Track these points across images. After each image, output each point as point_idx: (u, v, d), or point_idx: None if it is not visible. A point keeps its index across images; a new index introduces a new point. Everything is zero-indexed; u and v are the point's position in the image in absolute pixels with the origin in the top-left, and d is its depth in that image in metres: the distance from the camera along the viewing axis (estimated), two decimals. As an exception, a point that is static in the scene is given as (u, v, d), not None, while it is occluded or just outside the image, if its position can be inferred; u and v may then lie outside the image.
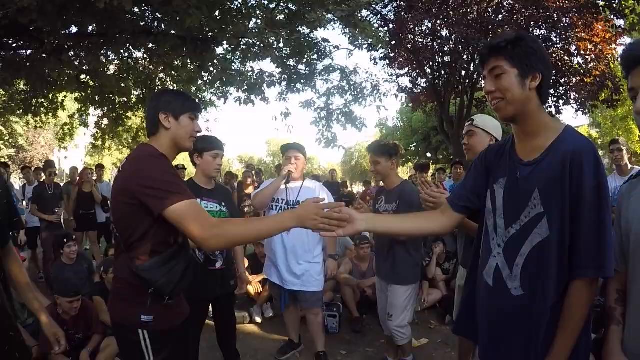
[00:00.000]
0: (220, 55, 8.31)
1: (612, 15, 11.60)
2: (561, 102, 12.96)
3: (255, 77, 8.26)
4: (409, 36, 12.77)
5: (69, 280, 4.22)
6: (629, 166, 4.79)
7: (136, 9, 7.04)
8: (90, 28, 7.37)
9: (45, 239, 6.58)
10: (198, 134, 2.07)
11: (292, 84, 8.43)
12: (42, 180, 7.35)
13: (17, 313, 3.76)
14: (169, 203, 1.66)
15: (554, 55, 12.32)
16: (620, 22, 11.84)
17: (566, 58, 12.52)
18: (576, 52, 12.31)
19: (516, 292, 1.51)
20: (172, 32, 7.41)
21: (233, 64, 8.44)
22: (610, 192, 4.44)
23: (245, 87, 8.10)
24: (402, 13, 12.51)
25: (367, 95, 8.70)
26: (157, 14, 7.17)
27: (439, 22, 12.54)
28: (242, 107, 8.09)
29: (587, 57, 12.22)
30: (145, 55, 9.48)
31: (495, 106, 1.55)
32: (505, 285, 1.54)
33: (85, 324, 3.88)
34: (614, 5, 11.21)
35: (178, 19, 6.46)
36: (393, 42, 12.74)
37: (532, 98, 1.50)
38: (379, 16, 12.99)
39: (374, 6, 12.15)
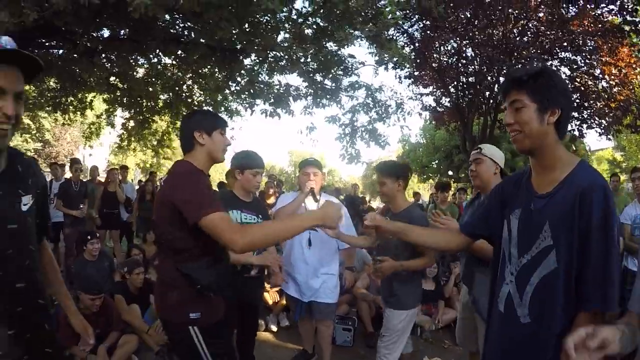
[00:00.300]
0: (248, 67, 8.48)
1: (638, 39, 11.53)
2: (584, 126, 12.85)
3: (281, 91, 8.39)
4: (434, 55, 12.85)
5: (92, 277, 4.33)
6: None
7: (168, 17, 7.23)
8: (122, 32, 7.63)
9: (68, 235, 6.76)
10: (229, 146, 2.29)
11: (318, 99, 8.54)
12: (68, 177, 7.56)
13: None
14: (203, 214, 1.85)
15: (577, 79, 12.28)
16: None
17: (590, 82, 12.45)
18: (600, 76, 12.22)
19: (524, 319, 1.56)
20: (202, 40, 7.61)
21: (260, 76, 8.61)
22: (630, 220, 4.43)
23: (272, 99, 8.23)
24: (428, 32, 12.59)
25: (392, 113, 8.80)
26: (188, 23, 7.34)
27: (464, 42, 12.59)
28: (268, 118, 8.18)
29: (611, 81, 12.12)
30: (174, 62, 9.70)
31: (513, 138, 1.61)
32: (515, 313, 1.59)
33: (105, 320, 4.00)
34: (640, 29, 11.12)
35: (208, 29, 6.67)
36: (418, 61, 12.82)
37: (549, 132, 1.55)
38: (405, 35, 13.07)
39: (400, 24, 12.25)
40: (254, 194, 3.51)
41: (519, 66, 11.96)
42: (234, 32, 6.61)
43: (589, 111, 12.59)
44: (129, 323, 4.25)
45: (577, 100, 12.46)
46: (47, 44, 8.00)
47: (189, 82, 11.08)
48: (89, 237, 5.22)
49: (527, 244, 1.59)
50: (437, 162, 27.48)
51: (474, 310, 2.95)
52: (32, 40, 6.87)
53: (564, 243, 1.47)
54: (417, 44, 12.97)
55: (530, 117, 1.53)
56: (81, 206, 6.83)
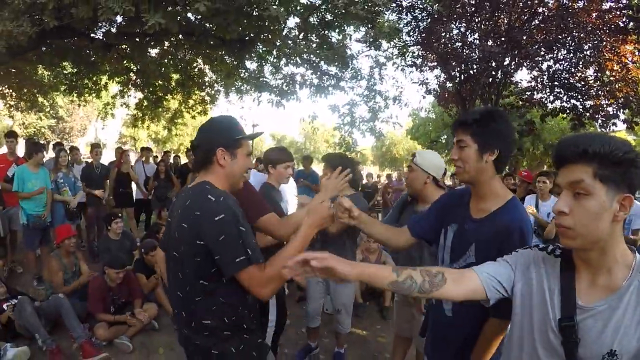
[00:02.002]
0: (256, 55, 8.89)
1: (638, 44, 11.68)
2: (586, 116, 13.05)
3: (286, 83, 8.78)
4: (440, 40, 13.05)
5: (116, 255, 4.96)
6: None
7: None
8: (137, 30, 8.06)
9: (90, 214, 7.38)
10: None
11: (321, 87, 8.94)
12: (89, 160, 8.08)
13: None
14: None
15: (578, 74, 12.50)
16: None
17: (591, 77, 12.68)
18: (600, 73, 12.40)
19: (448, 312, 2.02)
20: (212, 33, 8.00)
21: (267, 64, 9.03)
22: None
23: (277, 92, 8.66)
24: (435, 16, 12.73)
25: (389, 105, 9.15)
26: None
27: (469, 29, 12.82)
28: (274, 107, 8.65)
29: (612, 77, 12.30)
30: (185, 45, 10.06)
31: (456, 171, 1.96)
32: (443, 306, 2.06)
33: (128, 290, 4.66)
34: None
35: (217, 28, 7.03)
36: (425, 42, 13.06)
37: (487, 169, 1.82)
38: (409, 17, 13.26)
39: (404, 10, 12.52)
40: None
41: (519, 60, 12.28)
42: (243, 26, 7.01)
43: (589, 103, 12.76)
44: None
45: (578, 94, 12.73)
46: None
47: (200, 62, 11.49)
48: (112, 218, 5.84)
49: (457, 255, 1.94)
50: (445, 137, 27.37)
51: (409, 299, 3.25)
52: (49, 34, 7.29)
53: (483, 262, 1.80)
54: (422, 24, 13.17)
55: (470, 156, 1.81)
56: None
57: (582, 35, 11.71)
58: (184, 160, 11.61)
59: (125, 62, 10.59)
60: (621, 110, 12.36)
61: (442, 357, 2.11)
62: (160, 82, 11.68)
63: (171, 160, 11.12)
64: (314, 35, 7.84)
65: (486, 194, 1.87)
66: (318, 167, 11.00)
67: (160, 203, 8.51)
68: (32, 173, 5.80)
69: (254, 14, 6.72)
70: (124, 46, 8.88)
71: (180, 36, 7.95)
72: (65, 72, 11.57)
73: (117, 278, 4.49)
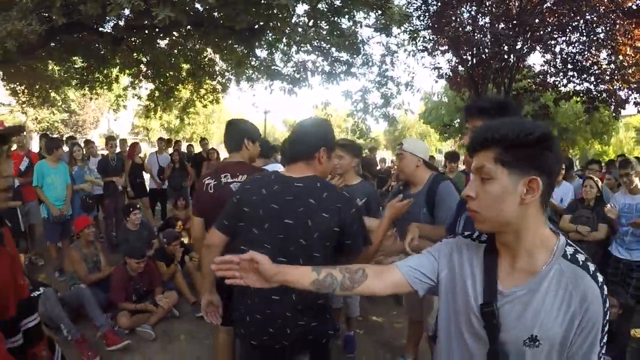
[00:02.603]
0: (266, 43, 8.90)
1: None
2: (597, 101, 12.96)
3: (297, 71, 8.79)
4: (451, 24, 12.96)
5: (136, 245, 5.08)
6: None
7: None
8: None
9: (107, 205, 7.52)
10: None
11: (333, 74, 8.95)
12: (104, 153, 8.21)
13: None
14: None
15: (591, 58, 12.35)
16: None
17: (603, 61, 12.52)
18: (614, 57, 12.25)
19: None
20: (221, 22, 8.02)
21: (277, 51, 9.02)
22: (619, 205, 4.73)
23: (289, 80, 8.69)
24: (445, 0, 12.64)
25: (401, 90, 9.12)
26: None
27: (479, 14, 12.70)
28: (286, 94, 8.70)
29: (625, 62, 12.14)
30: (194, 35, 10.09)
31: (466, 158, 2.02)
32: None
33: (149, 279, 4.78)
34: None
35: (227, 16, 7.05)
36: (435, 26, 12.99)
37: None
38: (420, 1, 13.18)
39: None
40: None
41: (532, 44, 12.12)
42: (250, 17, 7.02)
43: (603, 87, 12.63)
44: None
45: (592, 77, 12.59)
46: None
47: (210, 52, 11.53)
48: (131, 209, 5.95)
49: None
50: (458, 121, 27.15)
51: None
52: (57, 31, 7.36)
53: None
54: (432, 9, 13.09)
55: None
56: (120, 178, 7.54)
57: (594, 17, 11.55)
58: (196, 148, 11.65)
59: (135, 54, 10.64)
60: (634, 94, 12.24)
61: None
62: (170, 72, 11.73)
63: (184, 149, 11.22)
64: (323, 22, 7.81)
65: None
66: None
67: (176, 192, 8.61)
68: (52, 168, 5.91)
69: (263, 2, 6.74)
70: (133, 39, 8.91)
71: (189, 27, 7.97)
72: (75, 66, 11.64)
73: (138, 268, 4.60)
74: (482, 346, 1.30)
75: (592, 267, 1.21)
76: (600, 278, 1.19)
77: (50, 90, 12.61)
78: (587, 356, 1.18)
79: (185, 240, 6.28)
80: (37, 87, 12.01)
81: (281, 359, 2.11)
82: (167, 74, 11.83)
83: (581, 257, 1.23)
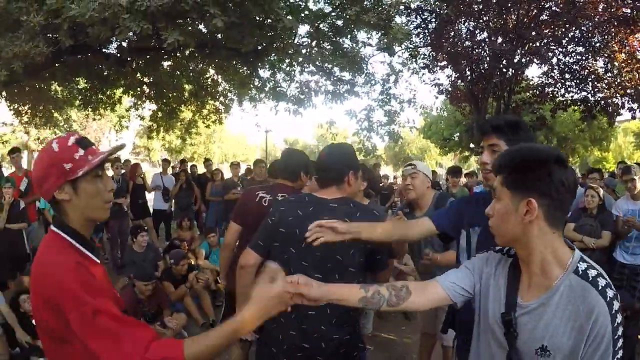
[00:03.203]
0: (269, 64, 9.01)
1: None
2: (597, 108, 13.06)
3: (302, 92, 8.89)
4: (450, 40, 13.10)
5: (144, 267, 5.09)
6: None
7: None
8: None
9: (112, 226, 7.53)
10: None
11: (337, 93, 9.03)
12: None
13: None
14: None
15: (588, 67, 12.49)
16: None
17: (600, 70, 12.66)
18: (609, 65, 12.39)
19: None
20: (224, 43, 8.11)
21: (280, 72, 9.09)
22: (622, 212, 4.78)
23: (294, 100, 8.78)
24: (445, 11, 12.76)
25: (404, 107, 9.24)
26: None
27: (477, 30, 12.85)
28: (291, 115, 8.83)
29: (622, 67, 12.28)
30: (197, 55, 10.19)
31: (484, 175, 1.99)
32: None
33: (156, 301, 4.77)
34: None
35: (231, 39, 7.13)
36: (435, 43, 13.13)
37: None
38: (419, 20, 13.33)
39: (412, 12, 12.59)
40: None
41: (530, 57, 12.26)
42: (257, 36, 7.10)
43: (600, 95, 12.76)
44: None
45: (589, 86, 12.72)
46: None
47: (213, 73, 11.62)
48: (138, 231, 5.97)
49: None
50: (458, 135, 27.23)
51: None
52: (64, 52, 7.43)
53: None
54: (431, 31, 13.24)
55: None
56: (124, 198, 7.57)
57: (590, 27, 11.72)
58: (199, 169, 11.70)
59: (139, 75, 10.70)
60: (629, 101, 12.39)
61: None
62: (173, 93, 11.80)
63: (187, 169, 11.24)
64: (326, 42, 7.92)
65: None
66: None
67: (182, 212, 8.62)
68: (57, 189, 5.93)
69: (267, 22, 6.83)
70: (138, 60, 9.00)
71: (193, 48, 8.06)
72: (79, 87, 11.73)
73: (147, 290, 4.60)
74: (502, 352, 1.42)
75: (602, 282, 1.27)
76: (610, 293, 1.24)
77: (53, 111, 12.68)
78: None
79: (192, 261, 6.29)
80: (41, 107, 12.08)
81: None
82: (170, 95, 11.87)
83: (592, 273, 1.29)
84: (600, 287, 1.25)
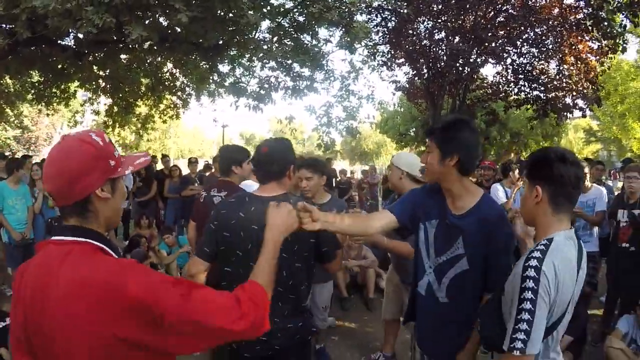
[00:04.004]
0: (229, 58, 8.94)
1: (595, 40, 12.28)
2: (548, 107, 13.60)
3: (262, 88, 8.90)
4: (409, 38, 13.31)
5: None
6: (588, 185, 5.14)
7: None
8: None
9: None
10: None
11: (296, 89, 9.07)
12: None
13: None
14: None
15: (538, 68, 13.02)
16: (605, 42, 12.42)
17: (552, 71, 13.21)
18: (560, 67, 12.93)
19: (442, 300, 2.18)
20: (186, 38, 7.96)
21: (238, 68, 9.02)
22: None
23: (254, 96, 8.76)
24: (404, 10, 12.94)
25: (362, 103, 9.39)
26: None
27: (436, 29, 13.13)
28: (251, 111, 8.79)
29: (571, 71, 12.83)
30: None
31: (424, 173, 2.24)
32: (435, 295, 2.22)
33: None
34: (601, 26, 11.73)
35: (193, 32, 7.03)
36: (394, 41, 13.33)
37: (449, 172, 2.02)
38: (379, 19, 13.49)
39: (373, 11, 12.73)
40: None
41: (485, 57, 12.68)
42: (217, 32, 7.03)
43: (551, 95, 13.30)
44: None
45: (541, 86, 13.26)
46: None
47: (170, 67, 11.44)
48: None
49: (443, 248, 2.13)
50: (414, 130, 27.60)
51: (401, 286, 3.69)
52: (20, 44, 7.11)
53: (474, 253, 2.03)
54: (390, 24, 13.41)
55: (433, 160, 2.04)
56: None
57: (544, 30, 12.17)
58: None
59: (95, 68, 10.42)
60: (577, 101, 13.02)
61: (440, 343, 2.26)
62: (130, 87, 11.55)
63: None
64: (287, 38, 7.92)
65: (459, 193, 2.09)
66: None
67: (141, 210, 8.41)
68: (13, 190, 5.72)
69: (229, 16, 6.75)
70: (96, 53, 8.74)
71: (151, 46, 7.89)
72: (32, 81, 11.32)
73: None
74: None
75: (535, 255, 1.61)
76: (531, 271, 1.57)
77: (4, 106, 12.13)
78: None
79: (154, 260, 6.19)
80: (-8, 102, 11.56)
81: None
82: (126, 89, 11.60)
83: (558, 238, 1.67)
84: (532, 256, 1.60)
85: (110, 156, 1.24)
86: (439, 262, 2.17)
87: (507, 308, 1.69)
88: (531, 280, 1.55)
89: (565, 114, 13.28)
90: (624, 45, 12.22)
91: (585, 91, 12.55)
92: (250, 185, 4.40)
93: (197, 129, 58.00)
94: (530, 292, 1.55)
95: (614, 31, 11.66)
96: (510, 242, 2.11)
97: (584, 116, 14.02)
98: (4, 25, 5.80)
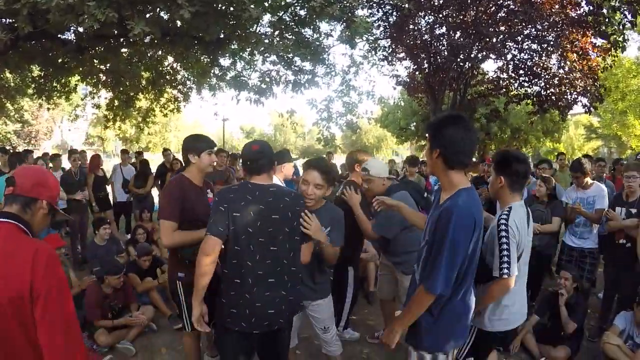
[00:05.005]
0: (231, 52, 8.93)
1: (597, 36, 12.27)
2: (548, 103, 13.61)
3: (264, 82, 8.92)
4: (410, 33, 13.30)
5: (113, 261, 5.03)
6: (589, 182, 5.21)
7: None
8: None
9: (72, 221, 7.26)
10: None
11: (297, 83, 9.07)
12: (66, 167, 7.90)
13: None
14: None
15: (540, 64, 13.01)
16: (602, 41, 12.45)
17: (552, 67, 13.20)
18: (562, 63, 12.93)
19: (419, 282, 2.25)
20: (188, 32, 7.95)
21: (242, 61, 9.04)
22: (571, 200, 5.06)
23: (255, 90, 8.77)
24: (406, 5, 12.88)
25: (362, 99, 9.40)
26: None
27: (437, 25, 13.10)
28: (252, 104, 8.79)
29: (572, 67, 12.82)
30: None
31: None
32: (415, 276, 2.37)
33: (124, 295, 4.71)
34: (602, 23, 11.74)
35: (195, 27, 7.03)
36: (395, 35, 13.32)
37: (436, 164, 2.20)
38: (380, 13, 13.48)
39: (374, 5, 12.74)
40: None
41: (486, 52, 12.68)
42: (219, 25, 7.03)
43: (551, 91, 13.30)
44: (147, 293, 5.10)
45: (541, 81, 13.27)
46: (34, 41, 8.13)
47: (171, 61, 11.40)
48: (101, 223, 5.87)
49: (423, 235, 2.32)
50: (415, 124, 27.57)
51: (394, 269, 3.93)
52: (22, 39, 7.02)
53: (430, 242, 2.16)
54: (391, 19, 13.40)
55: (427, 153, 2.29)
56: (81, 191, 7.28)
57: (545, 26, 12.14)
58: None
59: (96, 62, 10.35)
60: (580, 98, 12.99)
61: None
62: (130, 81, 11.49)
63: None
64: (289, 33, 7.91)
65: (444, 185, 2.26)
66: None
67: (141, 204, 8.43)
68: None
69: (230, 10, 6.74)
70: (97, 48, 8.73)
71: (152, 40, 7.88)
72: (32, 75, 11.27)
73: (119, 283, 4.55)
74: None
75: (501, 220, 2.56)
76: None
77: (5, 100, 12.11)
78: None
79: (157, 252, 6.23)
80: (-7, 97, 11.55)
81: (274, 340, 2.61)
82: (127, 83, 11.57)
83: (514, 206, 2.64)
84: (501, 217, 2.56)
85: (57, 193, 1.96)
86: (421, 246, 2.33)
87: (487, 255, 2.55)
88: (503, 231, 2.49)
89: (567, 110, 13.26)
90: (625, 42, 12.21)
91: (588, 87, 12.53)
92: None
93: (197, 123, 58.13)
94: (504, 238, 2.48)
95: (615, 28, 11.65)
96: (450, 237, 2.04)
97: (588, 113, 13.99)
98: (4, 20, 5.77)
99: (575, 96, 13.03)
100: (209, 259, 2.36)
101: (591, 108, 13.32)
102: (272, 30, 7.92)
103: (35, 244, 1.64)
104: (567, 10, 12.11)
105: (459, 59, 12.67)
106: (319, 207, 3.03)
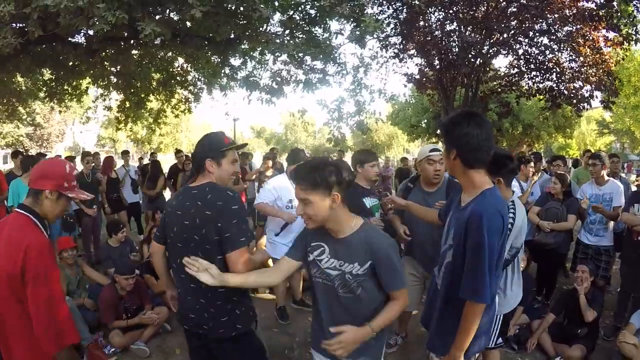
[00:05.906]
0: (237, 55, 8.97)
1: (608, 30, 12.10)
2: (561, 98, 13.46)
3: (275, 82, 8.93)
4: (420, 30, 13.20)
5: (125, 261, 5.05)
6: (606, 178, 5.23)
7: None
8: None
9: (85, 223, 7.34)
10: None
11: (309, 82, 9.06)
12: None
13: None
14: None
15: (553, 60, 12.87)
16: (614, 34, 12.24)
17: (564, 63, 13.05)
18: (574, 57, 12.77)
19: (440, 287, 2.26)
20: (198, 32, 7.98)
21: (250, 63, 9.04)
22: (587, 197, 5.02)
23: (267, 90, 8.78)
24: (416, 1, 12.81)
25: (374, 97, 9.35)
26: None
27: (447, 20, 13.00)
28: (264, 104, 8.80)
29: (585, 62, 12.65)
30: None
31: None
32: (436, 280, 2.35)
33: (139, 296, 4.73)
34: (613, 16, 11.58)
35: (205, 28, 7.05)
36: (405, 32, 13.24)
37: (455, 165, 2.14)
38: (391, 10, 13.41)
39: (385, 3, 12.68)
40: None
41: (497, 48, 12.58)
42: (229, 26, 7.03)
43: (563, 85, 13.16)
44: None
45: (554, 76, 13.12)
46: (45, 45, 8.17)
47: (182, 61, 11.43)
48: (116, 227, 5.92)
49: (445, 237, 2.27)
50: (425, 121, 27.42)
51: (425, 277, 3.82)
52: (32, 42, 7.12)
53: (456, 248, 2.10)
54: (402, 16, 13.33)
55: (444, 155, 2.25)
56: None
57: (556, 20, 12.00)
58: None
59: (107, 65, 10.34)
60: (594, 92, 12.83)
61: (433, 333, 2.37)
62: (141, 82, 11.57)
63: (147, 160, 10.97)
64: (299, 32, 7.90)
65: (466, 186, 2.19)
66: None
67: (152, 205, 8.50)
68: (27, 187, 5.80)
69: (241, 9, 6.75)
70: (107, 50, 8.79)
71: (162, 42, 7.91)
72: (44, 78, 11.36)
73: (128, 284, 4.56)
74: None
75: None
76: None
77: (17, 104, 12.23)
78: None
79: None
80: (4, 100, 11.64)
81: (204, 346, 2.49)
82: (138, 84, 11.63)
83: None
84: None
85: (68, 179, 2.22)
86: (442, 250, 2.29)
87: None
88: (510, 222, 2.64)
89: (581, 105, 13.08)
90: (637, 35, 12.03)
91: (603, 82, 12.36)
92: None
93: (208, 123, 58.43)
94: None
95: (626, 21, 11.50)
96: (484, 242, 1.96)
97: (607, 108, 13.84)
98: (15, 25, 5.81)
99: (591, 91, 12.84)
100: (155, 256, 2.65)
101: (609, 103, 13.18)
102: (282, 30, 7.92)
103: (29, 239, 2.03)
104: (579, 3, 11.96)
105: (470, 55, 12.54)
106: (348, 235, 2.10)
